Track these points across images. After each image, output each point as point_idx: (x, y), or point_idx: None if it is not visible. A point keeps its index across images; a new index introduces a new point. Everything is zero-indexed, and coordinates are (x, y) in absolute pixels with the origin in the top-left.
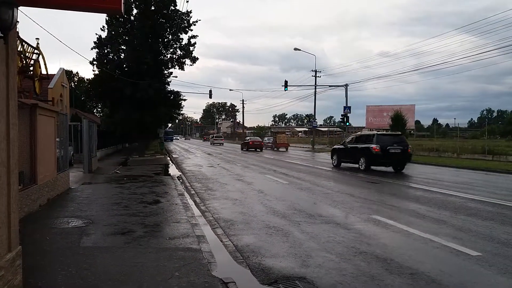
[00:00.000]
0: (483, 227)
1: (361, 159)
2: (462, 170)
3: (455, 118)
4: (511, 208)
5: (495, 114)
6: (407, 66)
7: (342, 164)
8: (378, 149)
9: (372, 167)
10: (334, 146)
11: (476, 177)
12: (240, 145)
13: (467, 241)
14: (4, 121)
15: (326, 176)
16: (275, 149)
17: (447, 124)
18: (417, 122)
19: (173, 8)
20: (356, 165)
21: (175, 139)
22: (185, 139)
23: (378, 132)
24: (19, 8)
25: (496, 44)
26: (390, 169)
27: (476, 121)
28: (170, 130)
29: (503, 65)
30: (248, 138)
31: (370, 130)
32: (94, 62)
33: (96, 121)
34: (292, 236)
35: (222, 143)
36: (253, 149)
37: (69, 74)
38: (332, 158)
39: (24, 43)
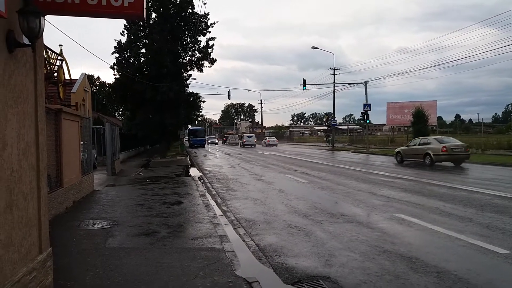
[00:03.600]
0: (511, 224)
1: None
2: (487, 166)
3: (478, 113)
4: None
5: None
6: (427, 62)
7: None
8: None
9: None
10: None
11: (503, 173)
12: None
13: (495, 238)
14: (33, 126)
15: (347, 174)
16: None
17: (470, 120)
18: (439, 118)
19: (190, 10)
20: None
21: (211, 142)
22: (184, 140)
23: None
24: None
25: None
26: (410, 165)
27: (500, 116)
28: (200, 128)
29: None
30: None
31: (391, 128)
32: (115, 67)
33: (118, 124)
34: (314, 235)
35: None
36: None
37: (90, 79)
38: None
39: (48, 50)
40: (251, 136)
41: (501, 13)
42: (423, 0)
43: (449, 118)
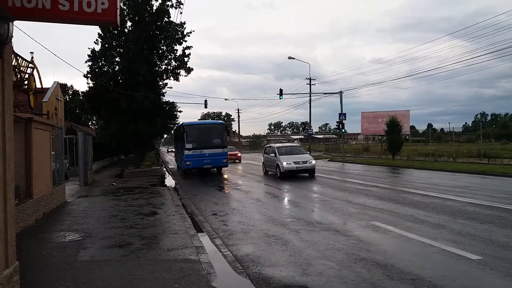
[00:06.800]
0: (483, 231)
1: None
2: (459, 174)
3: (449, 123)
4: (510, 211)
5: (489, 117)
6: (400, 72)
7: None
8: None
9: None
10: None
11: (473, 181)
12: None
13: (467, 245)
14: (0, 135)
15: (323, 183)
16: None
17: (442, 129)
18: (412, 127)
19: (167, 19)
20: None
21: (295, 169)
22: (168, 150)
23: None
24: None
25: (488, 49)
26: (383, 175)
27: (470, 125)
28: (210, 122)
29: (495, 69)
30: None
31: (366, 137)
32: (88, 75)
33: (91, 134)
34: (291, 244)
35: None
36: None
37: (63, 87)
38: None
39: (18, 57)
40: (172, 146)
41: (469, 26)
42: (397, 12)
43: (421, 127)
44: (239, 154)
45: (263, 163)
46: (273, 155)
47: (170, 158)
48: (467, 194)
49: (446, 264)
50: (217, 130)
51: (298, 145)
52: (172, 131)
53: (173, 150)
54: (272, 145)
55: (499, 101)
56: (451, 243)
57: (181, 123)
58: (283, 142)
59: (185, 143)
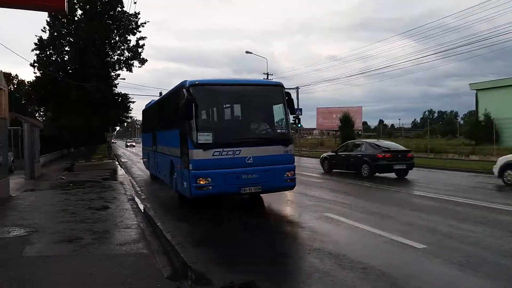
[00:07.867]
0: (428, 221)
1: None
2: None
3: (399, 119)
4: (453, 202)
5: (436, 114)
6: (354, 69)
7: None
8: None
9: None
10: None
11: (420, 174)
12: None
13: (413, 234)
14: None
15: None
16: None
17: (392, 125)
18: (365, 123)
19: (120, 9)
20: None
21: None
22: (128, 145)
23: None
24: None
25: (435, 49)
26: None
27: (419, 121)
28: (264, 82)
29: (442, 68)
30: None
31: (321, 131)
32: (35, 64)
33: (39, 126)
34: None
35: (134, 145)
36: None
37: (7, 76)
38: None
39: None
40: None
41: (418, 27)
42: (345, 12)
43: (373, 123)
44: None
45: None
46: None
47: (123, 151)
48: (414, 187)
49: (394, 253)
50: (270, 100)
51: None
52: (111, 135)
53: (133, 144)
54: None
55: (445, 99)
56: (399, 233)
57: (181, 82)
58: None
59: (192, 132)
